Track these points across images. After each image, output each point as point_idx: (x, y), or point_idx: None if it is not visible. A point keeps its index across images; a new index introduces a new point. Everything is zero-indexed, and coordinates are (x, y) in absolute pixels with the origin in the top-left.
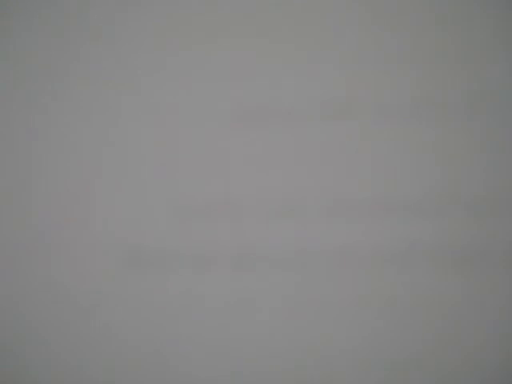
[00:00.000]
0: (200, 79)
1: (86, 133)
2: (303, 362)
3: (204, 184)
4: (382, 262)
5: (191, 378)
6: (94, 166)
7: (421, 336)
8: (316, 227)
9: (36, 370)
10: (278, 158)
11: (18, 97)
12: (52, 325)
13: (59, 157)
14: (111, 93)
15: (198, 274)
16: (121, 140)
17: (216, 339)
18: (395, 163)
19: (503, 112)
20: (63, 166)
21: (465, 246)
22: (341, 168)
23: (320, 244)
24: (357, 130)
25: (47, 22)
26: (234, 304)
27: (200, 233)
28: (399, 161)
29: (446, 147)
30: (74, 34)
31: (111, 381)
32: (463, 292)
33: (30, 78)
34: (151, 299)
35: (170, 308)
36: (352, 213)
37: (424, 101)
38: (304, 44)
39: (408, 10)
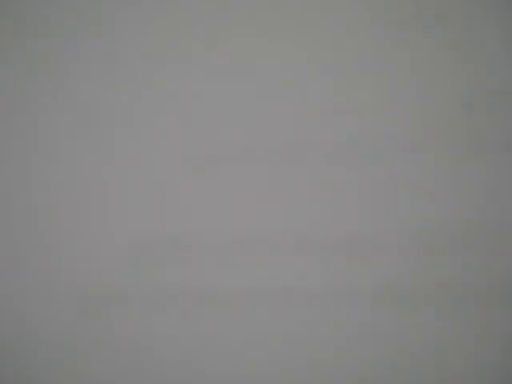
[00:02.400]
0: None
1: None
2: None
3: (155, 223)
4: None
5: None
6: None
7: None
8: (268, 268)
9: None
10: (232, 197)
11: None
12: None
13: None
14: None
15: (148, 314)
16: (74, 178)
17: (164, 380)
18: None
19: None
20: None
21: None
22: (294, 208)
23: (269, 283)
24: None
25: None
26: (184, 345)
27: (150, 273)
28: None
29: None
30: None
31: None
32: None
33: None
34: (101, 338)
35: (117, 348)
36: (304, 253)
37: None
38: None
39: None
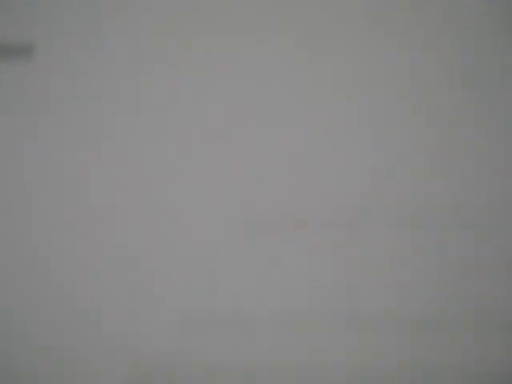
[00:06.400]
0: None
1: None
2: None
3: (206, 296)
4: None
5: None
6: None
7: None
8: (325, 340)
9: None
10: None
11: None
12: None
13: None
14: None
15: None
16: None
17: None
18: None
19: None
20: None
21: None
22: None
23: (331, 360)
24: (371, 239)
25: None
26: None
27: (207, 343)
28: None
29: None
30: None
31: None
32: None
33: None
34: None
35: None
36: (362, 328)
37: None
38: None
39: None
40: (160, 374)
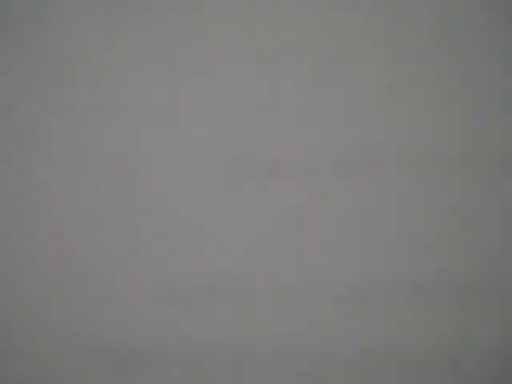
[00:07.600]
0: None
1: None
2: None
3: (182, 270)
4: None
5: None
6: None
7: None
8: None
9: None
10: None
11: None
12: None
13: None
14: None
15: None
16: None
17: None
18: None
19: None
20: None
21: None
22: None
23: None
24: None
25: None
26: None
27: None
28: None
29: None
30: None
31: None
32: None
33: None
34: None
35: None
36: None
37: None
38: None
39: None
40: (146, 351)
